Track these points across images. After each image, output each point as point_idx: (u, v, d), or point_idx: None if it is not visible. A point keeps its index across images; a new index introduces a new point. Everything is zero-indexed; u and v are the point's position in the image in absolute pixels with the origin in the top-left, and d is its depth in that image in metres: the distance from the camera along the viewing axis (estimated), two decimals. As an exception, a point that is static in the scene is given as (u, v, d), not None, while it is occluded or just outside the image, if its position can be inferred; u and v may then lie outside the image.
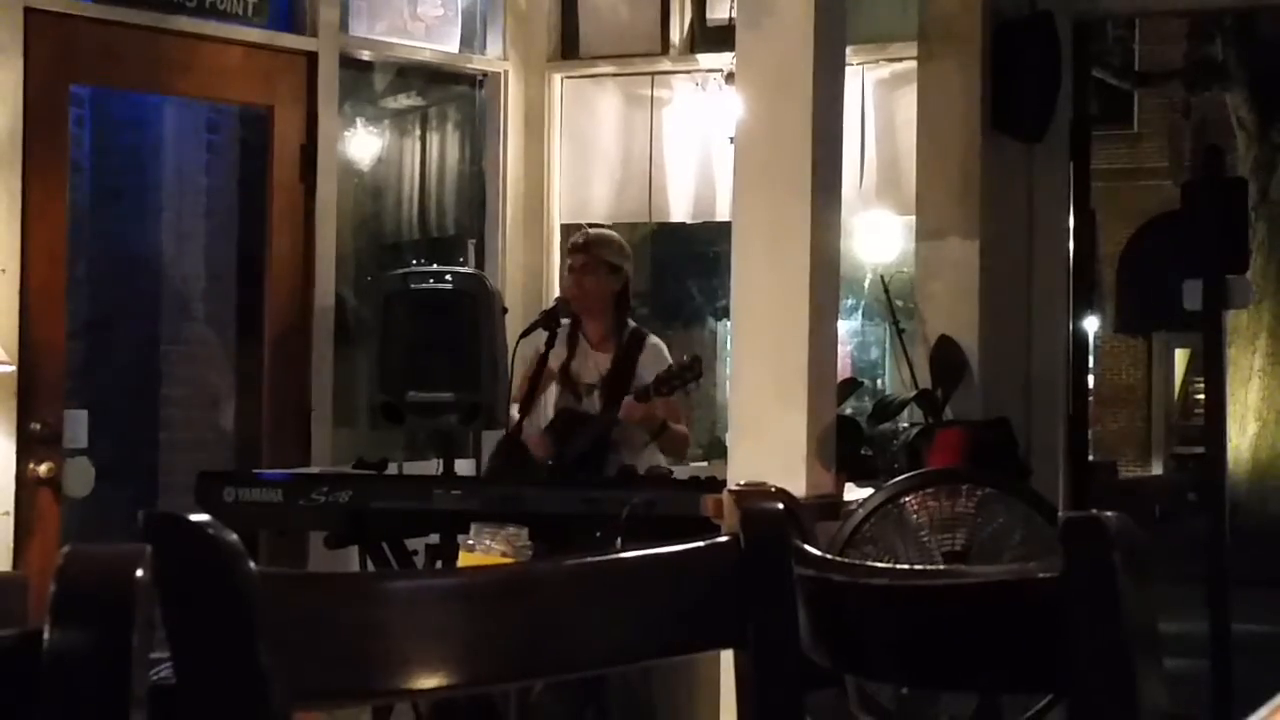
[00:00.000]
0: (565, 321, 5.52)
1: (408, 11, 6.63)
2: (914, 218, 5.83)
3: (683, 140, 6.76)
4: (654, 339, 5.68)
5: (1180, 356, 24.01)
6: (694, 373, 5.34)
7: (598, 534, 4.53)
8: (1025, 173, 5.74)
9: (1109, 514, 1.37)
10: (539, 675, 1.98)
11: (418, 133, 7.43)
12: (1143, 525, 1.39)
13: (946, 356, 5.46)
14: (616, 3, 6.91)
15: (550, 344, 5.38)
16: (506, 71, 6.87)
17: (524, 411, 5.40)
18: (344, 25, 6.36)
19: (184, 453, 6.99)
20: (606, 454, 5.44)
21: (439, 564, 4.85)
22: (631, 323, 5.74)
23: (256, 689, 1.24)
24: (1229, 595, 5.69)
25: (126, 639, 1.11)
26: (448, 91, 7.29)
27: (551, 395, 5.65)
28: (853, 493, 4.79)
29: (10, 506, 5.35)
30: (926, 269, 5.69)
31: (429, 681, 1.43)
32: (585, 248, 5.68)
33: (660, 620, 1.57)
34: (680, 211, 6.84)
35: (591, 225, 6.25)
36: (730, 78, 5.92)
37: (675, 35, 6.82)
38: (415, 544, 5.10)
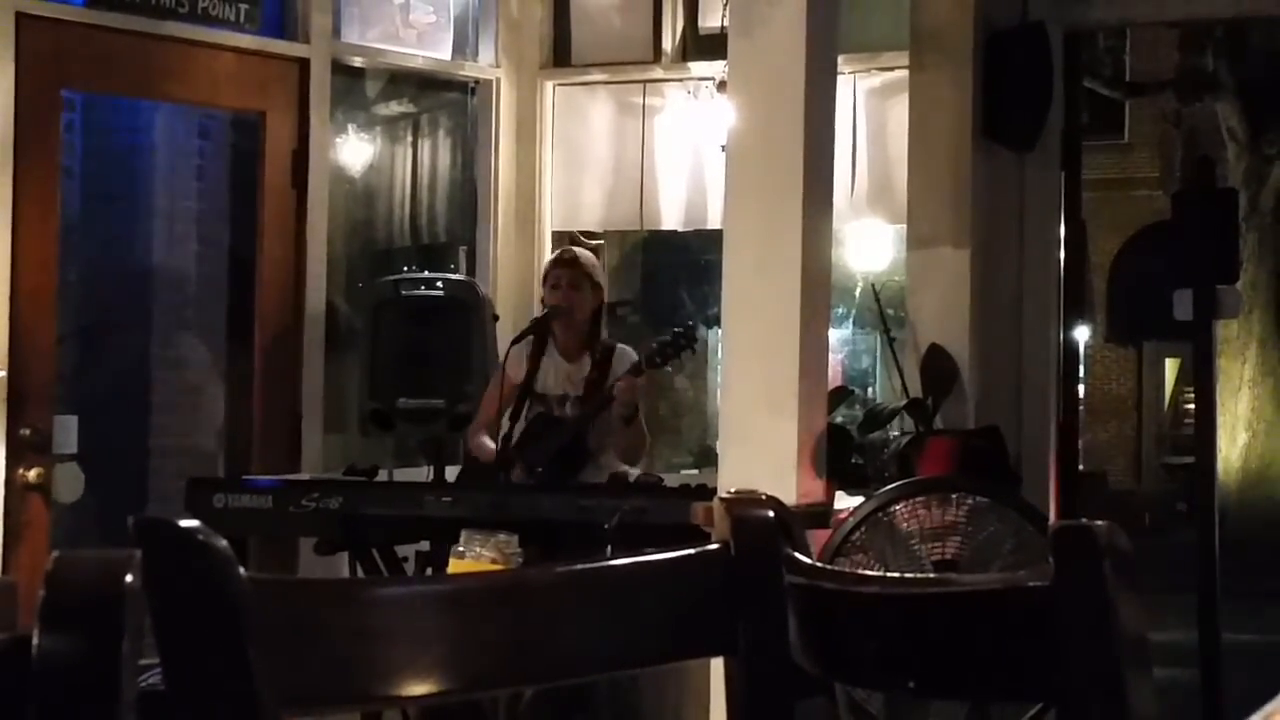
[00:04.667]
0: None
1: (400, 18, 6.63)
2: (905, 226, 5.83)
3: (674, 148, 6.76)
4: (622, 345, 5.69)
5: (1170, 366, 24.05)
6: (688, 339, 5.33)
7: (598, 531, 4.52)
8: (1016, 182, 5.74)
9: (1099, 523, 1.37)
10: (528, 682, 1.98)
11: (409, 139, 7.42)
12: (1133, 535, 1.39)
13: (937, 365, 5.46)
14: (609, 10, 6.91)
15: (541, 351, 5.38)
16: (498, 79, 6.87)
17: (495, 420, 5.38)
18: (336, 32, 6.35)
19: (174, 458, 6.98)
20: (585, 461, 5.42)
21: (429, 571, 4.85)
22: (604, 338, 5.75)
23: (246, 695, 1.24)
24: (1219, 605, 5.69)
25: (116, 645, 1.11)
26: (439, 98, 7.28)
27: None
28: (843, 501, 4.79)
29: (-1, 512, 5.34)
30: (917, 278, 5.70)
31: (418, 688, 1.43)
32: (573, 263, 5.68)
33: (650, 628, 1.57)
34: (672, 219, 6.84)
35: (572, 242, 6.25)
36: (722, 86, 5.92)
37: (667, 43, 6.82)
38: (405, 551, 5.10)
